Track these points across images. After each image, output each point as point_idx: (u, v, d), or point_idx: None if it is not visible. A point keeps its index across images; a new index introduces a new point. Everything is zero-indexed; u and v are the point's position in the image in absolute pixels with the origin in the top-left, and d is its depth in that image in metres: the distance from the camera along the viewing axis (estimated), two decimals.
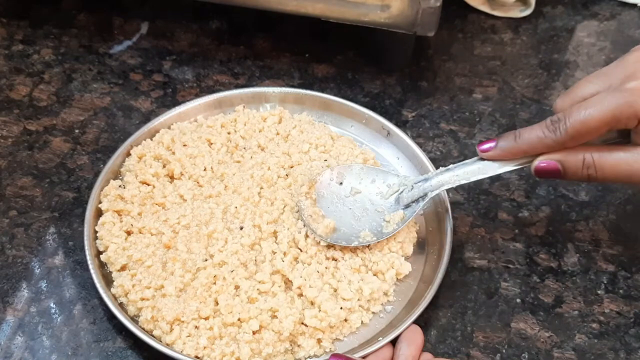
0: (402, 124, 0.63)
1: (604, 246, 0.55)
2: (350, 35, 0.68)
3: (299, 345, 0.48)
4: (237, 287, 0.50)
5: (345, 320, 0.49)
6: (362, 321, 0.50)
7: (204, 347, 0.47)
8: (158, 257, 0.51)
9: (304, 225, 0.52)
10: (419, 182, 0.53)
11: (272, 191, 0.55)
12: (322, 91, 0.64)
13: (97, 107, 0.64)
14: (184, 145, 0.58)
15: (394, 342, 0.48)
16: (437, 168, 0.57)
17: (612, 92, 0.45)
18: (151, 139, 0.59)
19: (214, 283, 0.50)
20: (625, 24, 0.74)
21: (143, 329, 0.48)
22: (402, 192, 0.53)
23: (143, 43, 0.70)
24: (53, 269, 0.53)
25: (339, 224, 0.52)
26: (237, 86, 0.66)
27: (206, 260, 0.51)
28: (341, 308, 0.49)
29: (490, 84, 0.67)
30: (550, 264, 0.54)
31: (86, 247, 0.51)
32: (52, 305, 0.51)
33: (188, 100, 0.62)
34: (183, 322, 0.48)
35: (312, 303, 0.49)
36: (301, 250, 0.52)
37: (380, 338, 0.48)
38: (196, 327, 0.48)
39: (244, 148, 0.58)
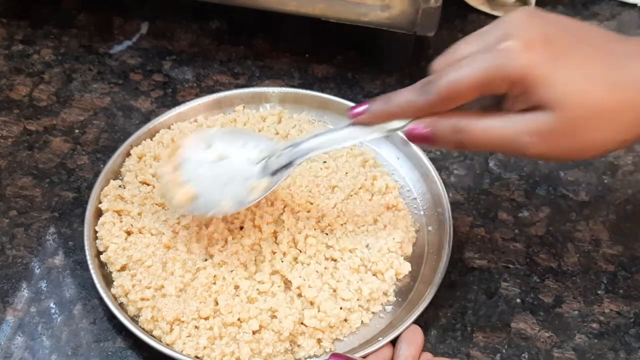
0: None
1: (604, 246, 0.55)
2: (350, 35, 0.68)
3: (298, 345, 0.48)
4: (236, 287, 0.50)
5: (345, 320, 0.49)
6: (362, 321, 0.50)
7: (204, 347, 0.47)
8: (158, 257, 0.51)
9: (162, 193, 0.49)
10: (288, 147, 0.49)
11: (272, 191, 0.55)
12: (322, 91, 0.64)
13: (97, 107, 0.64)
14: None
15: (394, 342, 0.48)
16: (437, 168, 0.57)
17: (484, 53, 0.42)
18: (151, 139, 0.59)
19: (214, 283, 0.50)
20: (625, 24, 0.74)
21: (143, 329, 0.48)
22: (270, 157, 0.49)
23: (143, 43, 0.70)
24: (53, 269, 0.53)
25: (202, 192, 0.49)
26: (237, 86, 0.66)
27: (206, 260, 0.51)
28: (341, 308, 0.49)
29: None
30: (550, 264, 0.54)
31: (86, 247, 0.51)
32: (52, 305, 0.51)
33: (188, 100, 0.62)
34: (183, 322, 0.48)
35: (311, 303, 0.49)
36: (300, 251, 0.52)
37: (380, 338, 0.48)
38: (196, 327, 0.48)
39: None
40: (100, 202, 0.54)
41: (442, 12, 0.60)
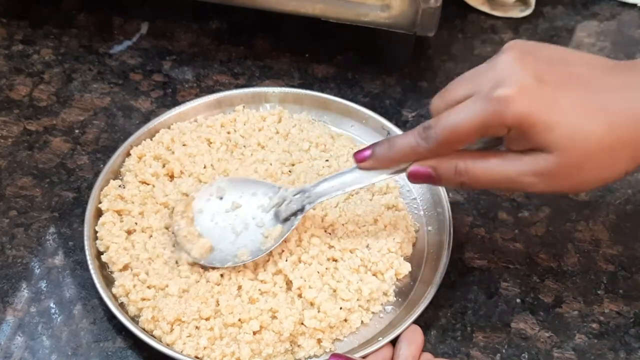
0: (402, 124, 0.63)
1: (604, 246, 0.55)
2: (350, 35, 0.68)
3: (299, 346, 0.48)
4: (239, 288, 0.50)
5: (345, 320, 0.49)
6: (362, 321, 0.50)
7: (204, 348, 0.47)
8: (165, 257, 0.51)
9: (175, 247, 0.51)
10: (297, 194, 0.51)
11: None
12: (322, 91, 0.64)
13: (97, 107, 0.64)
14: (184, 145, 0.58)
15: (394, 342, 0.48)
16: None
17: (480, 99, 0.43)
18: (151, 139, 0.59)
19: (218, 284, 0.50)
20: (625, 24, 0.74)
21: (143, 329, 0.48)
22: (280, 204, 0.51)
23: (143, 43, 0.70)
24: (53, 269, 0.53)
25: (217, 243, 0.51)
26: (237, 86, 0.66)
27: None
28: (341, 308, 0.49)
29: None
30: (550, 264, 0.54)
31: (86, 247, 0.51)
32: (52, 305, 0.51)
33: (188, 100, 0.62)
34: (184, 322, 0.48)
35: (311, 304, 0.49)
36: (304, 250, 0.52)
37: (380, 338, 0.48)
38: (197, 327, 0.48)
39: (244, 146, 0.58)
40: (100, 202, 0.54)
41: (442, 12, 0.60)
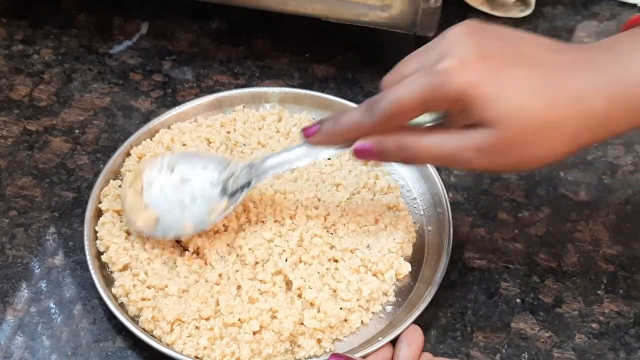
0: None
1: (604, 246, 0.55)
2: (350, 35, 0.68)
3: (299, 346, 0.48)
4: (239, 287, 0.50)
5: (345, 320, 0.49)
6: (362, 321, 0.50)
7: (204, 348, 0.47)
8: (164, 257, 0.51)
9: (125, 217, 0.51)
10: (245, 169, 0.50)
11: (281, 183, 0.55)
12: (322, 91, 0.64)
13: (97, 107, 0.64)
14: (184, 145, 0.58)
15: (394, 342, 0.48)
16: (437, 168, 0.57)
17: (424, 73, 0.42)
18: (151, 139, 0.59)
19: (218, 284, 0.50)
20: None
21: (143, 329, 0.48)
22: (229, 179, 0.51)
23: (143, 43, 0.70)
24: (53, 269, 0.53)
25: (163, 215, 0.50)
26: (237, 86, 0.66)
27: (222, 257, 0.51)
28: (341, 308, 0.49)
29: None
30: (550, 264, 0.54)
31: (86, 247, 0.51)
32: (52, 305, 0.51)
33: (188, 100, 0.62)
34: (184, 322, 0.48)
35: (311, 304, 0.49)
36: (305, 250, 0.52)
37: (380, 338, 0.48)
38: (197, 327, 0.48)
39: (244, 145, 0.58)
40: (100, 202, 0.54)
41: (442, 12, 0.61)
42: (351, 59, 0.69)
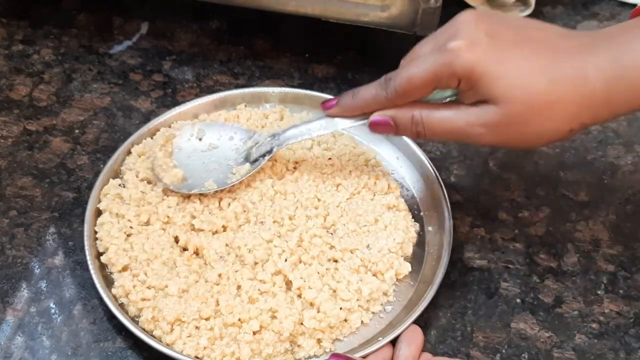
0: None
1: (604, 246, 0.55)
2: (350, 35, 0.68)
3: (299, 346, 0.48)
4: (239, 287, 0.50)
5: (345, 320, 0.49)
6: (362, 321, 0.50)
7: (204, 348, 0.47)
8: (163, 258, 0.51)
9: (153, 173, 0.55)
10: (268, 138, 0.55)
11: (282, 183, 0.55)
12: (322, 91, 0.64)
13: (97, 107, 0.64)
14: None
15: (393, 342, 0.48)
16: (437, 168, 0.57)
17: (435, 51, 0.46)
18: (151, 138, 0.59)
19: (217, 284, 0.50)
20: None
21: (143, 329, 0.48)
22: (252, 147, 0.55)
23: (143, 43, 0.70)
24: (53, 269, 0.53)
25: (188, 175, 0.55)
26: (237, 86, 0.66)
27: (221, 257, 0.51)
28: (340, 308, 0.49)
29: None
30: (550, 264, 0.54)
31: (86, 248, 0.51)
32: (52, 305, 0.51)
33: (188, 100, 0.62)
34: (184, 322, 0.48)
35: (311, 304, 0.49)
36: (305, 250, 0.52)
37: (380, 338, 0.48)
38: (197, 327, 0.48)
39: None
40: (100, 202, 0.54)
41: (442, 12, 0.60)
42: (351, 59, 0.69)
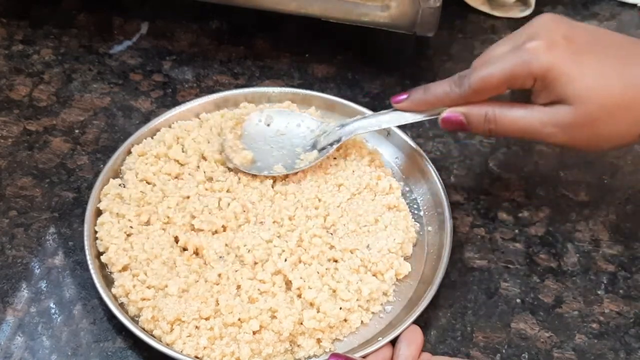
0: (402, 124, 0.62)
1: (604, 246, 0.55)
2: (350, 35, 0.68)
3: (298, 345, 0.48)
4: (238, 287, 0.50)
5: (345, 320, 0.49)
6: (361, 321, 0.50)
7: (204, 347, 0.47)
8: (163, 257, 0.51)
9: (221, 153, 0.56)
10: (336, 127, 0.56)
11: (283, 184, 0.55)
12: (322, 91, 0.64)
13: (97, 107, 0.64)
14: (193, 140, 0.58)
15: (393, 342, 0.48)
16: (437, 168, 0.57)
17: (513, 51, 0.48)
18: (152, 138, 0.59)
19: (217, 284, 0.50)
20: (625, 24, 0.74)
21: (143, 329, 0.48)
22: (320, 135, 0.57)
23: (143, 43, 0.70)
24: (53, 269, 0.53)
25: (257, 158, 0.56)
26: (237, 86, 0.66)
27: (221, 257, 0.51)
28: (340, 308, 0.49)
29: None
30: (550, 264, 0.54)
31: (86, 248, 0.51)
32: (52, 305, 0.51)
33: (188, 100, 0.62)
34: (184, 322, 0.48)
35: (311, 304, 0.49)
36: (305, 250, 0.52)
37: (380, 338, 0.48)
38: (197, 327, 0.48)
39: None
40: (100, 202, 0.54)
41: (442, 12, 0.60)
42: (351, 59, 0.69)
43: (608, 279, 0.53)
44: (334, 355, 0.46)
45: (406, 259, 0.53)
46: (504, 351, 0.50)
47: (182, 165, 0.56)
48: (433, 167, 0.57)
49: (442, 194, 0.55)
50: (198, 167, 0.56)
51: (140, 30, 0.71)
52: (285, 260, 0.51)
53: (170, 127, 0.60)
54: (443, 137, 0.62)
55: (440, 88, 0.51)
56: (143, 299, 0.49)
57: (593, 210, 0.58)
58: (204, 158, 0.57)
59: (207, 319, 0.48)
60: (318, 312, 0.49)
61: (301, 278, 0.50)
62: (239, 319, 0.48)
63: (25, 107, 0.64)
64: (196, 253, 0.52)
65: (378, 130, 0.60)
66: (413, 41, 0.66)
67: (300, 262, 0.51)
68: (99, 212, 0.54)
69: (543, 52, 0.47)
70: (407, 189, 0.58)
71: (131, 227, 0.53)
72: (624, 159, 0.61)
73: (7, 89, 0.65)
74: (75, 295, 0.51)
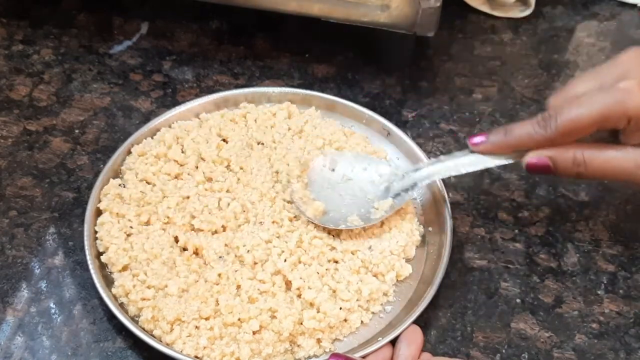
0: (402, 124, 0.63)
1: (604, 246, 0.55)
2: (350, 35, 0.68)
3: (298, 345, 0.48)
4: (238, 287, 0.50)
5: (345, 320, 0.49)
6: (361, 321, 0.50)
7: (204, 347, 0.47)
8: (163, 257, 0.51)
9: (293, 206, 0.53)
10: (410, 172, 0.54)
11: (286, 186, 0.55)
12: (322, 91, 0.64)
13: (97, 107, 0.64)
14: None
15: (393, 342, 0.48)
16: None
17: (603, 91, 0.46)
18: (152, 138, 0.59)
19: (217, 284, 0.50)
20: (625, 24, 0.74)
21: (143, 329, 0.48)
22: (392, 181, 0.54)
23: (143, 43, 0.70)
24: (53, 269, 0.53)
25: (329, 208, 0.53)
26: (237, 86, 0.66)
27: (220, 257, 0.51)
28: (340, 308, 0.49)
29: (490, 84, 0.67)
30: (550, 264, 0.54)
31: (86, 248, 0.51)
32: (52, 305, 0.51)
33: (188, 100, 0.62)
34: (183, 322, 0.48)
35: (311, 304, 0.49)
36: (305, 251, 0.52)
37: (380, 338, 0.48)
38: (196, 327, 0.48)
39: (262, 143, 0.58)
40: (100, 202, 0.54)
41: (442, 12, 0.60)
42: (351, 59, 0.69)
43: (608, 279, 0.53)
44: (334, 355, 0.46)
45: (407, 260, 0.53)
46: (504, 351, 0.50)
47: (181, 165, 0.56)
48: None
49: (442, 194, 0.55)
50: (197, 167, 0.56)
51: (140, 30, 0.71)
52: (285, 260, 0.51)
53: (170, 127, 0.60)
54: (443, 137, 0.63)
55: (523, 130, 0.48)
56: (143, 299, 0.49)
57: (593, 210, 0.58)
58: (203, 159, 0.57)
59: (207, 319, 0.48)
60: (318, 312, 0.49)
61: (301, 278, 0.50)
62: (239, 319, 0.48)
63: (25, 107, 0.64)
64: (196, 253, 0.52)
65: (378, 130, 0.60)
66: (413, 41, 0.66)
67: (299, 262, 0.51)
68: (99, 212, 0.54)
69: (638, 91, 0.45)
70: None
71: (131, 227, 0.53)
72: None
73: (7, 89, 0.65)
74: (75, 295, 0.51)
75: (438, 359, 0.47)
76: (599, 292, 0.53)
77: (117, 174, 0.57)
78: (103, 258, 0.51)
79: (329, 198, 0.54)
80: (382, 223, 0.54)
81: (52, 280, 0.52)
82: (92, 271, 0.50)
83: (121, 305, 0.49)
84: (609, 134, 0.48)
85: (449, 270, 0.52)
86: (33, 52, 0.69)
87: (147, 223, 0.53)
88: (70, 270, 0.53)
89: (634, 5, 0.75)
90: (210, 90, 0.65)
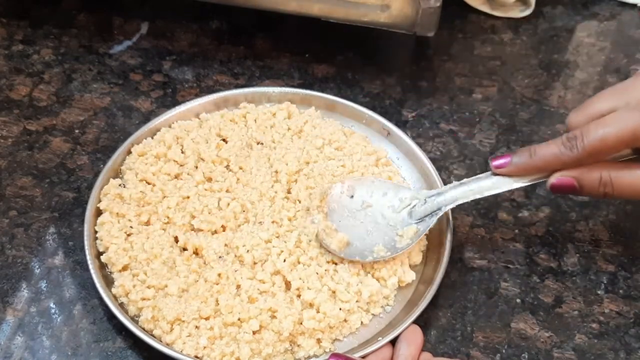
0: (402, 124, 0.63)
1: (604, 246, 0.55)
2: (350, 35, 0.68)
3: (298, 345, 0.48)
4: (238, 287, 0.50)
5: (345, 320, 0.49)
6: (361, 321, 0.50)
7: (204, 347, 0.47)
8: (163, 257, 0.51)
9: (317, 238, 0.52)
10: (432, 196, 0.52)
11: (292, 190, 0.55)
12: (322, 91, 0.64)
13: (97, 107, 0.64)
14: (192, 140, 0.58)
15: (393, 342, 0.48)
16: (437, 168, 0.57)
17: (632, 110, 0.45)
18: (152, 138, 0.59)
19: (217, 283, 0.50)
20: (625, 24, 0.74)
21: (143, 328, 0.48)
22: (414, 206, 0.52)
23: (143, 43, 0.70)
24: (53, 269, 0.53)
25: (352, 238, 0.52)
26: (237, 86, 0.66)
27: (220, 257, 0.51)
28: (340, 309, 0.49)
29: (490, 84, 0.67)
30: (550, 264, 0.54)
31: (86, 248, 0.51)
32: (52, 305, 0.51)
33: (188, 100, 0.62)
34: (183, 322, 0.48)
35: (310, 305, 0.49)
36: (304, 252, 0.51)
37: (380, 338, 0.48)
38: (196, 327, 0.48)
39: (262, 143, 0.58)
40: (100, 202, 0.54)
41: (442, 12, 0.61)
42: (351, 59, 0.69)
43: (608, 279, 0.53)
44: (334, 355, 0.46)
45: (412, 267, 0.53)
46: (504, 351, 0.50)
47: (181, 165, 0.56)
48: (433, 167, 0.57)
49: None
50: (196, 167, 0.56)
51: (140, 30, 0.71)
52: (284, 260, 0.51)
53: (170, 127, 0.60)
54: (443, 137, 0.63)
55: (549, 150, 0.47)
56: (143, 299, 0.49)
57: (593, 210, 0.58)
58: (202, 159, 0.57)
59: (207, 318, 0.48)
60: (318, 312, 0.49)
61: (300, 279, 0.50)
62: (239, 319, 0.48)
63: (25, 107, 0.64)
64: (196, 253, 0.52)
65: (378, 130, 0.60)
66: (413, 41, 0.66)
67: (299, 262, 0.51)
68: (99, 212, 0.54)
69: None
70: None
71: (131, 227, 0.53)
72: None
73: (7, 89, 0.65)
74: (75, 295, 0.51)
75: (438, 359, 0.47)
76: (599, 292, 0.53)
77: (117, 174, 0.57)
78: (103, 258, 0.51)
79: (350, 227, 0.53)
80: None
81: (52, 280, 0.52)
82: (92, 271, 0.50)
83: (121, 305, 0.49)
84: (633, 152, 0.47)
85: (449, 270, 0.52)
86: (33, 52, 0.69)
87: (147, 223, 0.53)
88: (70, 270, 0.53)
89: (634, 5, 0.75)
90: (210, 90, 0.65)
